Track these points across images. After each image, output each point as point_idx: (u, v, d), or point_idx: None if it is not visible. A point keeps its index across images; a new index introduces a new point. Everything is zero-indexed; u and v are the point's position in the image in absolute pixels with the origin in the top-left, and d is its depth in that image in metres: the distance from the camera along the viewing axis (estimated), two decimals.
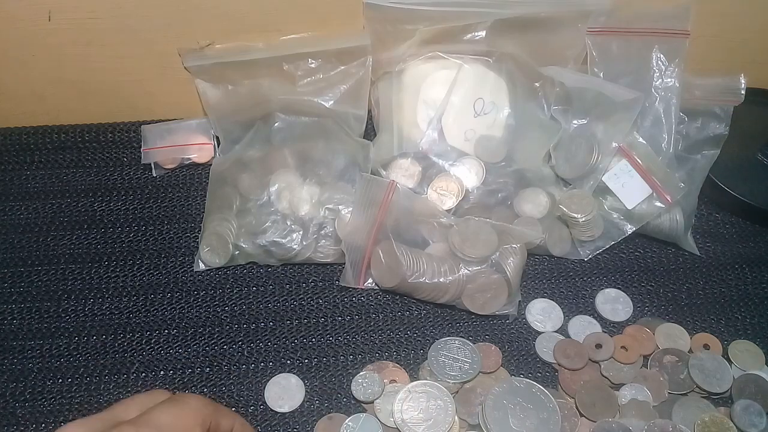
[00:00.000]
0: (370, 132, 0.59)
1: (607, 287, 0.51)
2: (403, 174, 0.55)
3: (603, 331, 0.49)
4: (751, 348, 0.48)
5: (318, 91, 0.56)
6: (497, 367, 0.47)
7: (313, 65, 0.56)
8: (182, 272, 0.53)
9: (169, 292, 0.52)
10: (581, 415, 0.45)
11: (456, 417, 0.44)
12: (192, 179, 0.59)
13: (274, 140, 0.57)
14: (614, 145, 0.54)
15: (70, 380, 0.47)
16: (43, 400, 0.46)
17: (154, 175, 0.59)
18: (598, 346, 0.48)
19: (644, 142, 0.54)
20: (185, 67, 0.56)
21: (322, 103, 0.56)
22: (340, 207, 0.53)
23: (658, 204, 0.53)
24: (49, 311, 0.51)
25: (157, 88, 0.59)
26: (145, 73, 0.58)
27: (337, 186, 0.54)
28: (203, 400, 0.39)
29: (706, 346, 0.48)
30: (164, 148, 0.59)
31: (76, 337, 0.49)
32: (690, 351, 0.48)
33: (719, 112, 0.55)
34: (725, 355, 0.48)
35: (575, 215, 0.53)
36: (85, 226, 0.56)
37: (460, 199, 0.54)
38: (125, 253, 0.54)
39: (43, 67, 0.57)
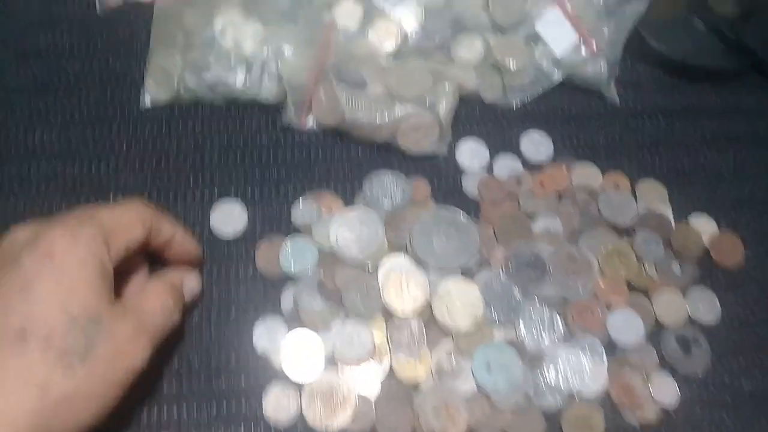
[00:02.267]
0: None
1: (532, 130, 0.53)
2: (346, 15, 0.55)
3: (524, 170, 0.51)
4: (656, 187, 0.52)
5: None
6: (426, 200, 0.50)
7: None
8: (129, 106, 0.53)
9: (116, 125, 0.52)
10: (498, 242, 0.48)
11: (386, 241, 0.47)
12: (136, 17, 0.57)
13: None
14: None
15: (24, 204, 0.48)
16: None
17: (98, 13, 0.57)
18: (518, 182, 0.50)
19: None
20: None
21: None
22: (283, 46, 0.53)
23: (586, 53, 0.54)
24: None
25: None
26: None
27: (281, 24, 0.54)
28: (145, 202, 0.41)
29: (616, 186, 0.51)
30: None
31: (26, 164, 0.50)
32: (601, 189, 0.51)
33: None
34: (633, 194, 0.51)
35: (508, 62, 0.54)
36: (31, 59, 0.55)
37: (399, 41, 0.54)
38: (71, 86, 0.53)
39: None
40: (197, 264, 0.46)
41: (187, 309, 0.44)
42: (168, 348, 0.43)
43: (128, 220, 0.39)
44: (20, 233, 0.38)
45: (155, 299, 0.39)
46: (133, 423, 0.42)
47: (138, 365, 0.37)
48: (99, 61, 0.55)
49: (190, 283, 0.44)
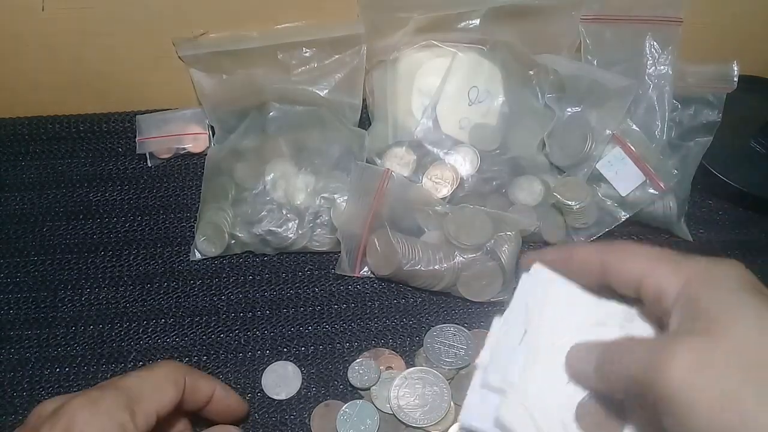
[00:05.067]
0: (365, 121, 0.60)
1: None
2: (398, 162, 0.56)
3: None
4: None
5: (312, 80, 0.57)
6: None
7: (307, 54, 0.57)
8: (178, 261, 0.54)
9: (165, 281, 0.53)
10: None
11: (452, 402, 0.45)
12: (187, 169, 0.60)
13: (268, 129, 0.58)
14: (608, 132, 0.55)
15: (67, 369, 0.48)
16: (41, 389, 0.48)
17: (149, 165, 0.60)
18: None
19: (638, 129, 0.55)
20: (180, 57, 0.57)
21: (317, 91, 0.57)
22: (335, 196, 0.54)
23: (652, 191, 0.54)
24: (46, 301, 0.52)
25: (151, 77, 0.60)
26: (139, 63, 0.59)
27: (332, 175, 0.56)
28: (176, 362, 0.41)
29: None
30: (159, 138, 0.60)
31: (73, 326, 0.50)
32: None
33: (712, 99, 0.56)
34: None
35: (569, 202, 0.54)
36: (81, 216, 0.57)
37: (455, 187, 0.55)
38: (121, 243, 0.55)
39: (37, 57, 0.58)
40: (243, 419, 0.45)
41: None
42: None
43: (156, 384, 0.39)
44: (45, 407, 0.38)
45: None
46: None
47: None
48: (149, 216, 0.57)
49: None
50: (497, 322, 0.36)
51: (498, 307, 0.51)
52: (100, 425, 0.35)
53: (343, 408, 0.46)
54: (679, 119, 0.57)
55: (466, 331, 0.49)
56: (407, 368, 0.47)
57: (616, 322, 0.34)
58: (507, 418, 0.32)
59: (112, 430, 0.35)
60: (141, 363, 0.49)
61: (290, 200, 0.55)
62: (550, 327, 0.34)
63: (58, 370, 0.48)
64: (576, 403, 0.33)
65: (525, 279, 0.36)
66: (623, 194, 0.54)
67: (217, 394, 0.43)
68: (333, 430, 0.45)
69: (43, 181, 0.59)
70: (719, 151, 0.56)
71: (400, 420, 0.45)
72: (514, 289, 0.49)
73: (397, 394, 0.45)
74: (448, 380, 0.46)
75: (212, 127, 0.60)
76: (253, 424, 0.46)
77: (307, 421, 0.46)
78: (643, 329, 0.34)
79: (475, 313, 0.51)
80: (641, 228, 0.55)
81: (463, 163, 0.56)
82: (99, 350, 0.49)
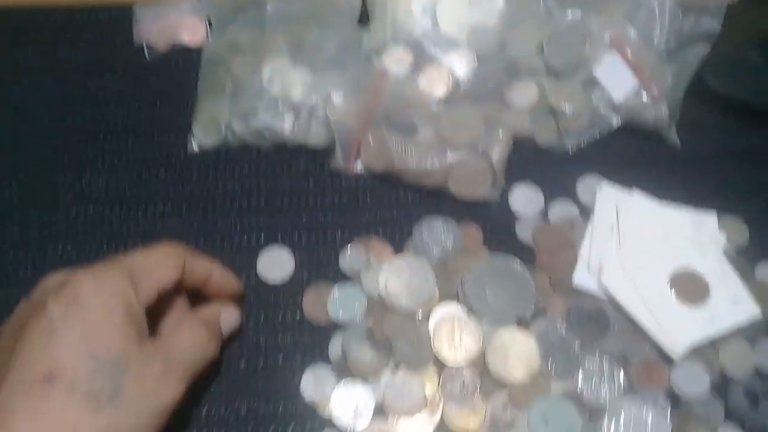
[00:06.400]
0: (364, 19, 0.62)
1: (589, 175, 0.55)
2: (396, 61, 0.58)
3: (580, 216, 0.53)
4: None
5: None
6: (478, 247, 0.52)
7: None
8: (176, 152, 0.57)
9: (163, 170, 0.56)
10: (554, 291, 0.50)
11: (437, 289, 0.49)
12: (185, 63, 0.61)
13: (266, 25, 0.59)
14: (607, 37, 0.57)
15: (70, 247, 0.52)
16: (44, 266, 0.51)
17: (147, 59, 0.62)
18: (574, 228, 0.52)
19: (636, 35, 0.57)
20: None
21: None
22: (331, 92, 0.56)
23: (645, 97, 0.56)
24: (47, 183, 0.55)
25: None
26: None
27: (329, 71, 0.58)
28: (176, 243, 0.44)
29: None
30: (157, 30, 0.62)
31: (73, 208, 0.54)
32: None
33: (713, 8, 0.58)
34: None
35: (564, 107, 0.57)
36: (79, 105, 0.59)
37: (451, 87, 0.57)
38: (119, 131, 0.58)
39: None
40: (239, 299, 0.49)
41: (226, 343, 0.47)
42: (216, 395, 0.46)
43: (158, 261, 0.43)
44: (50, 281, 0.42)
45: (187, 335, 0.42)
46: None
47: (170, 402, 0.39)
48: (147, 106, 0.59)
49: (227, 316, 0.47)
50: (589, 228, 0.51)
51: (486, 205, 0.54)
52: (104, 297, 0.39)
53: (334, 290, 0.49)
54: (677, 27, 0.58)
55: (455, 223, 0.52)
56: (396, 257, 0.51)
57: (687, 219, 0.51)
58: (608, 282, 0.48)
59: (116, 303, 0.39)
60: (141, 244, 0.52)
61: (287, 95, 0.57)
62: (633, 222, 0.50)
63: (61, 248, 0.52)
64: (668, 275, 0.48)
65: (600, 193, 0.53)
66: (617, 100, 0.57)
67: (215, 273, 0.46)
68: (324, 312, 0.49)
69: (42, 69, 0.61)
70: (715, 60, 0.58)
71: (386, 303, 0.48)
72: (503, 188, 0.53)
73: (385, 280, 0.49)
74: (434, 269, 0.50)
75: (210, 21, 0.62)
76: (249, 304, 0.50)
77: (299, 302, 0.50)
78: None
79: (464, 210, 0.54)
80: (632, 134, 0.58)
81: (461, 64, 0.58)
82: (100, 232, 0.53)
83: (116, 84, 0.60)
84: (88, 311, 0.38)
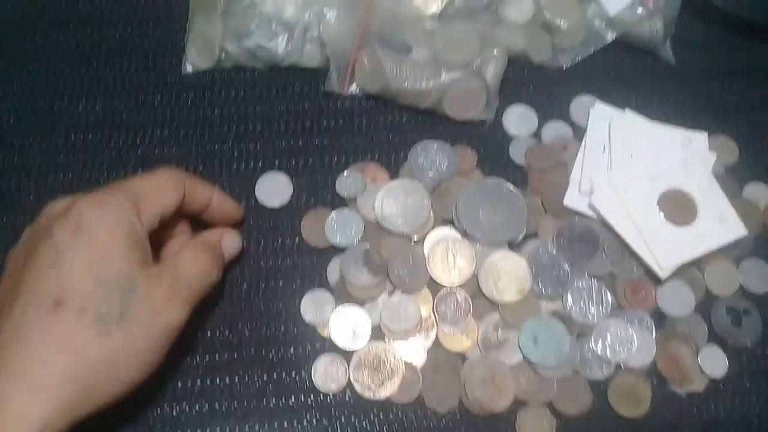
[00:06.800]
0: None
1: (583, 94, 0.56)
2: None
3: (573, 136, 0.54)
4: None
5: None
6: (472, 169, 0.53)
7: None
8: (170, 74, 0.57)
9: (158, 93, 0.56)
10: (546, 212, 0.51)
11: (431, 212, 0.51)
12: None
13: None
14: None
15: (71, 174, 0.53)
16: (46, 193, 0.52)
17: None
18: (565, 147, 0.53)
19: None
20: None
21: None
22: (325, 10, 0.56)
23: (640, 11, 0.56)
24: (44, 109, 0.55)
25: None
26: None
27: None
28: (176, 168, 0.45)
29: None
30: None
31: (72, 134, 0.54)
32: None
33: None
34: None
35: (558, 21, 0.56)
36: (71, 26, 0.59)
37: (444, 3, 0.57)
38: (113, 54, 0.58)
39: None
40: (239, 224, 0.50)
41: (228, 267, 0.49)
42: (219, 318, 0.48)
43: (159, 186, 0.43)
44: (54, 207, 0.43)
45: (191, 259, 0.43)
46: (185, 392, 0.47)
47: (175, 325, 0.41)
48: (139, 28, 0.59)
49: (229, 240, 0.48)
50: (581, 148, 0.53)
51: (480, 125, 0.55)
52: (108, 222, 0.40)
53: (331, 215, 0.51)
54: None
55: (449, 146, 0.53)
56: (392, 180, 0.52)
57: (678, 138, 0.53)
58: (599, 203, 0.50)
59: (120, 227, 0.40)
60: (139, 170, 0.53)
61: (279, 13, 0.57)
62: (625, 142, 0.52)
63: (61, 175, 0.53)
64: (657, 195, 0.50)
65: (593, 113, 0.54)
66: (612, 13, 0.56)
67: (215, 198, 0.47)
68: (321, 235, 0.50)
69: None
70: None
71: (382, 227, 0.50)
72: (497, 108, 0.54)
73: (381, 203, 0.50)
74: (429, 192, 0.51)
75: None
76: (249, 229, 0.51)
77: (298, 226, 0.51)
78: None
79: (459, 131, 0.55)
80: (626, 50, 0.58)
81: None
82: (99, 158, 0.54)
83: (106, 4, 0.60)
84: (93, 236, 0.39)
